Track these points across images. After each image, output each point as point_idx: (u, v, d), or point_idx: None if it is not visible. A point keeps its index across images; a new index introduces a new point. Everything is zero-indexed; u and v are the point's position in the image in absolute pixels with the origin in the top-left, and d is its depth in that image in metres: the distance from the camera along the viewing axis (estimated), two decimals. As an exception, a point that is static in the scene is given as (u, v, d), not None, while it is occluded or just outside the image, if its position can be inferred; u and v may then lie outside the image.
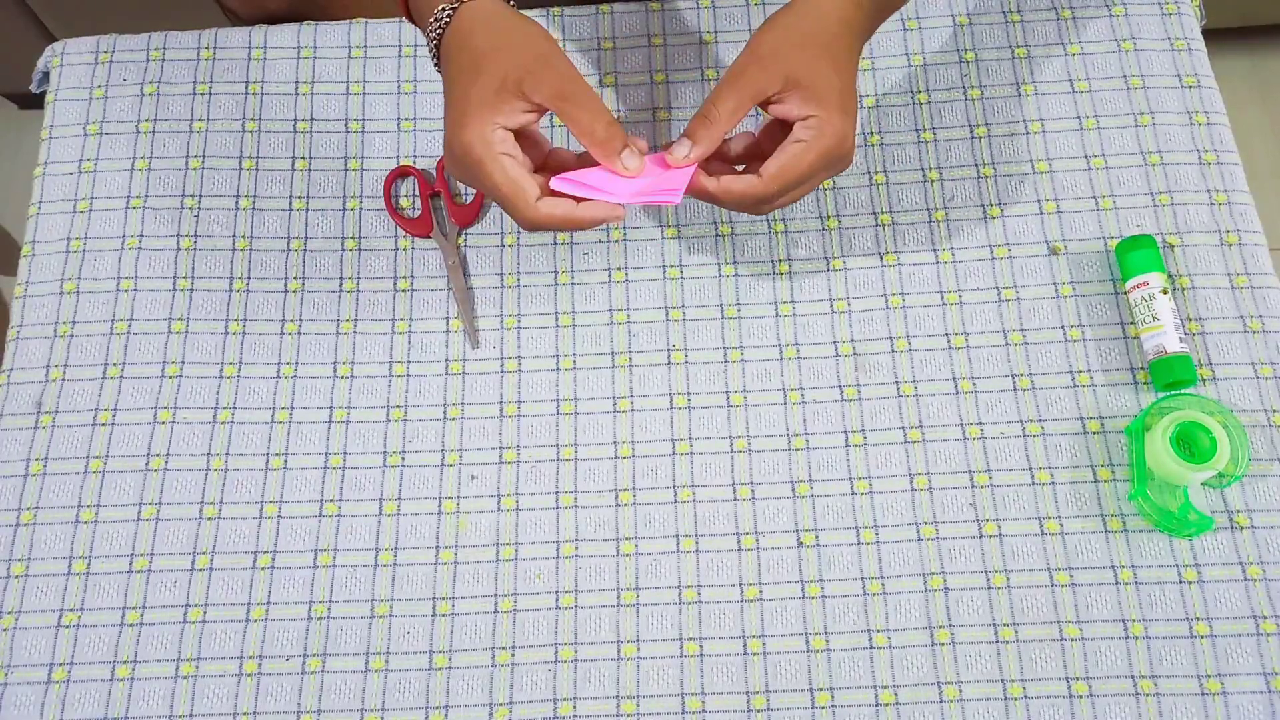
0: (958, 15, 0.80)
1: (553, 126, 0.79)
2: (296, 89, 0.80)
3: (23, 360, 0.72)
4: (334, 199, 0.77)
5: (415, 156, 0.78)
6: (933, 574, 0.66)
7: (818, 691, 0.64)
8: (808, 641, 0.65)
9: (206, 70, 0.80)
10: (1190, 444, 0.66)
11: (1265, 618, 0.64)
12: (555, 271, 0.75)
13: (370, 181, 0.77)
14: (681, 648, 0.65)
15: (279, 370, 0.72)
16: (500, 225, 0.76)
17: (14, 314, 0.74)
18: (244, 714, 0.64)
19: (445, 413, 0.71)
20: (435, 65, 0.64)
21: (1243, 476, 0.66)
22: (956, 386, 0.70)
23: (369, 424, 0.71)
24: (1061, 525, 0.67)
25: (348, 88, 0.80)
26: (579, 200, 0.61)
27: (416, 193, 0.77)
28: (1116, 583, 0.65)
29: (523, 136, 0.62)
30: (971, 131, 0.77)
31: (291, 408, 0.71)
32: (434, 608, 0.66)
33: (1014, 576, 0.66)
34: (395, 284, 0.74)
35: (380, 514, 0.69)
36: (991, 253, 0.74)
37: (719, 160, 0.64)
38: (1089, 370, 0.70)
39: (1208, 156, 0.75)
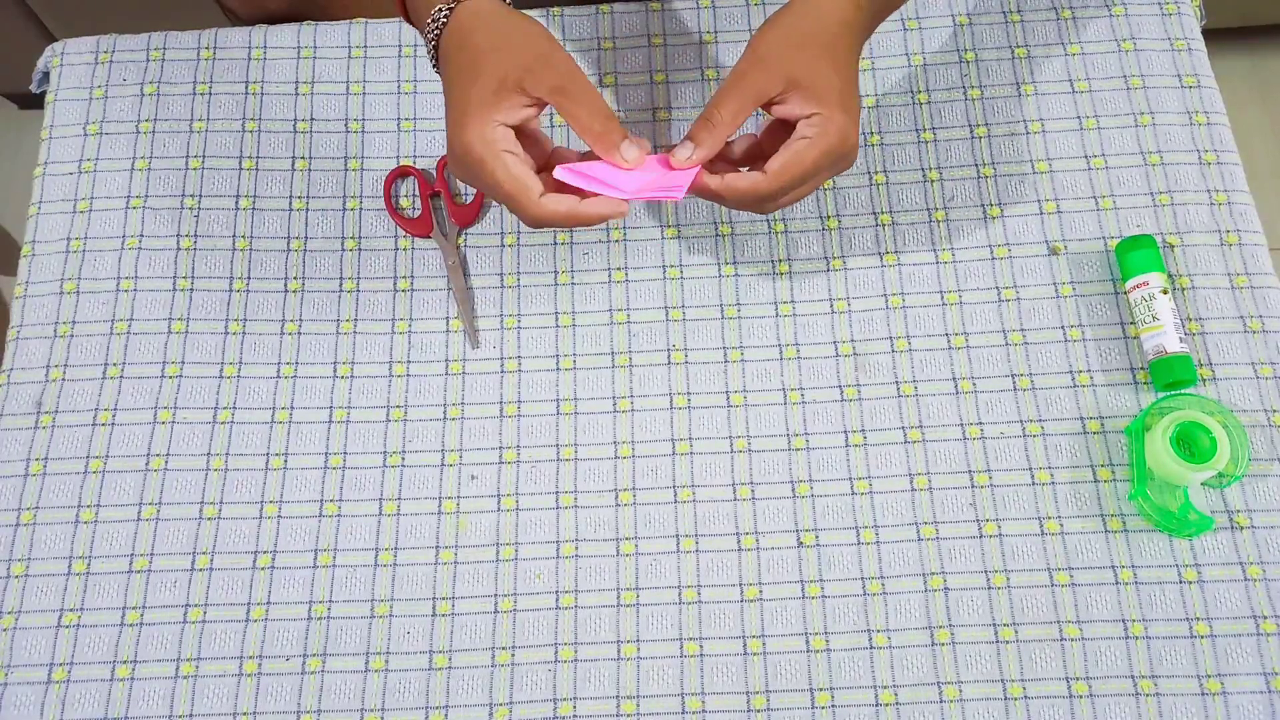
0: (958, 15, 0.80)
1: (553, 125, 0.79)
2: (296, 89, 0.80)
3: (23, 360, 0.72)
4: (334, 199, 0.77)
5: (415, 156, 0.78)
6: (933, 574, 0.66)
7: (818, 691, 0.64)
8: (808, 641, 0.65)
9: (206, 70, 0.80)
10: (1190, 444, 0.66)
11: (1265, 618, 0.64)
12: (555, 271, 0.75)
13: (370, 181, 0.77)
14: (681, 648, 0.65)
15: (279, 370, 0.72)
16: (500, 225, 0.76)
17: (14, 314, 0.74)
18: (244, 714, 0.64)
19: (445, 413, 0.71)
20: (434, 66, 0.64)
21: (1243, 476, 0.66)
22: (956, 386, 0.70)
23: (369, 424, 0.71)
24: (1061, 525, 0.67)
25: (348, 88, 0.80)
26: (582, 196, 0.61)
27: (416, 193, 0.77)
28: (1116, 583, 0.65)
29: (525, 135, 0.62)
30: (971, 131, 0.77)
31: (291, 408, 0.71)
32: (434, 608, 0.66)
33: (1014, 576, 0.66)
34: (395, 284, 0.74)
35: (380, 514, 0.69)
36: (991, 253, 0.74)
37: (721, 161, 0.64)
38: (1089, 370, 0.70)
39: (1208, 156, 0.75)
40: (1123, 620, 0.64)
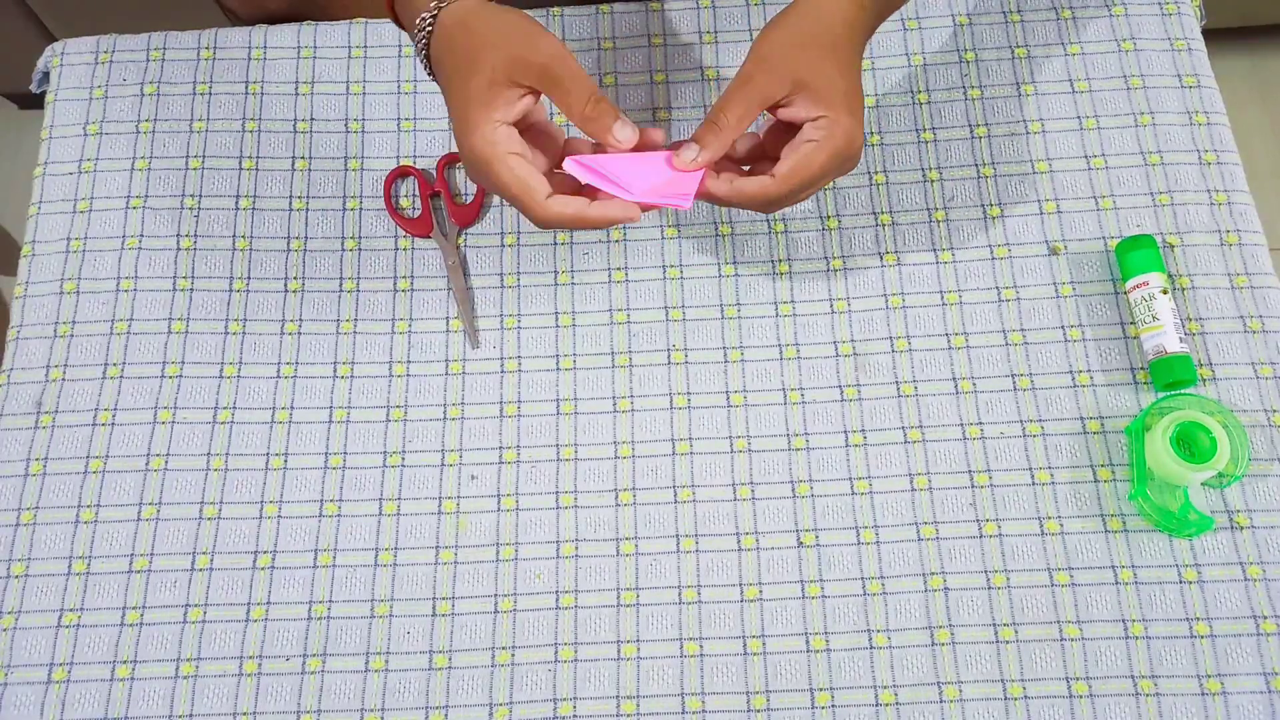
0: (958, 15, 0.80)
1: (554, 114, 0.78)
2: (296, 89, 0.80)
3: (23, 360, 0.72)
4: (334, 199, 0.77)
5: (415, 156, 0.78)
6: (933, 574, 0.66)
7: (818, 691, 0.64)
8: (808, 641, 0.65)
9: (206, 70, 0.80)
10: (1190, 444, 0.66)
11: (1265, 618, 0.64)
12: (555, 271, 0.75)
13: (370, 181, 0.77)
14: (681, 648, 0.65)
15: (279, 370, 0.72)
16: (500, 225, 0.76)
17: (14, 314, 0.74)
18: (244, 714, 0.64)
19: (445, 413, 0.71)
20: (428, 74, 0.64)
21: (1243, 476, 0.66)
22: (956, 386, 0.70)
23: (369, 424, 0.71)
24: (1061, 525, 0.67)
25: (348, 88, 0.80)
26: (591, 197, 0.60)
27: (416, 193, 0.77)
28: (1116, 583, 0.65)
29: (533, 130, 0.62)
30: (971, 131, 0.77)
31: (291, 408, 0.71)
32: (434, 608, 0.66)
33: (1014, 576, 0.66)
34: (395, 284, 0.74)
35: (380, 514, 0.69)
36: (991, 253, 0.74)
37: (725, 161, 0.64)
38: (1089, 370, 0.70)
39: (1208, 156, 0.75)
40: (1123, 620, 0.64)
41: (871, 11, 0.64)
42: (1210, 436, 0.65)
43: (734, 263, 0.74)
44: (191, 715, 0.64)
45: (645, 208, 0.60)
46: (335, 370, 0.72)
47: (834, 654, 0.64)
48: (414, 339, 0.73)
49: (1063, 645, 0.64)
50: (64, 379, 0.72)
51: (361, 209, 0.77)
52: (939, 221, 0.75)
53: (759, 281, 0.74)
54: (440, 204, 0.76)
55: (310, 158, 0.78)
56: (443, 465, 0.70)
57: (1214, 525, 0.65)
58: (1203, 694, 0.62)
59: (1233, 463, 0.65)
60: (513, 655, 0.65)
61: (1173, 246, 0.73)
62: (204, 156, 0.78)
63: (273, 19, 0.84)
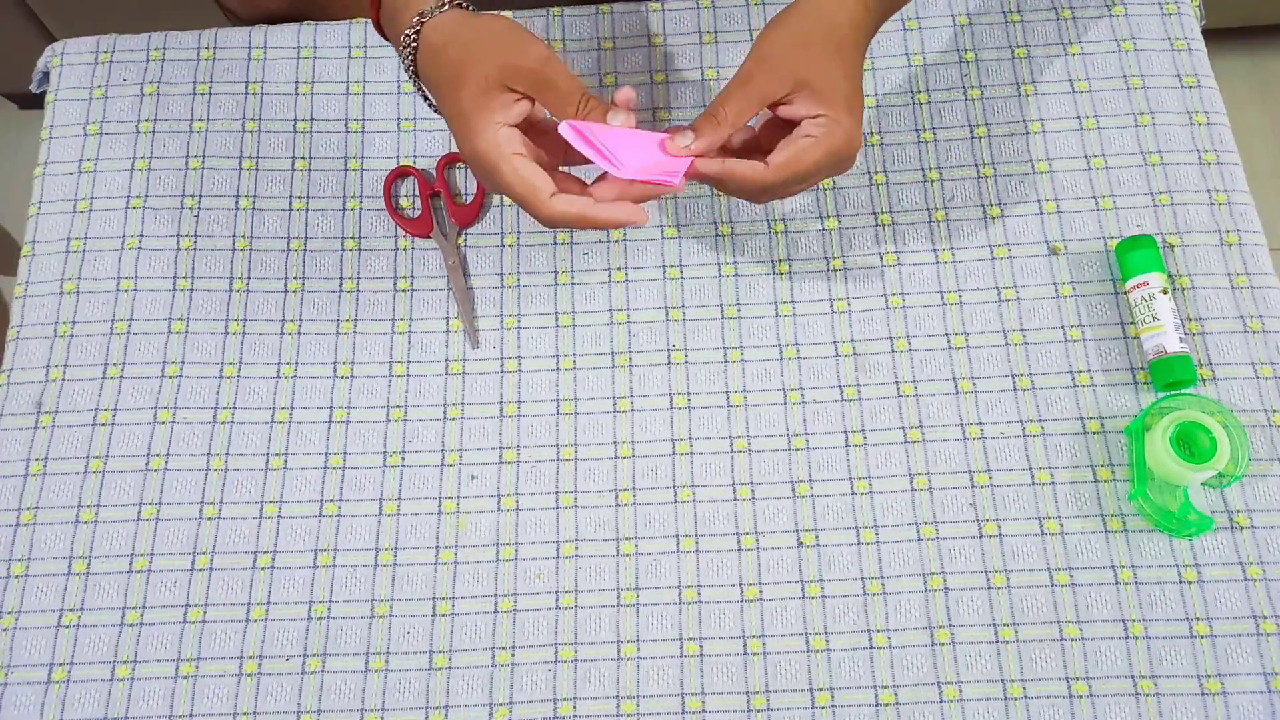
0: (958, 15, 0.80)
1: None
2: (296, 89, 0.80)
3: (23, 360, 0.72)
4: (334, 199, 0.77)
5: (415, 156, 0.78)
6: (933, 574, 0.66)
7: (818, 691, 0.64)
8: (808, 641, 0.65)
9: (206, 70, 0.80)
10: (1190, 444, 0.66)
11: (1265, 618, 0.64)
12: (555, 271, 0.75)
13: (370, 181, 0.77)
14: (681, 648, 0.65)
15: (279, 370, 0.72)
16: (500, 225, 0.76)
17: (14, 314, 0.74)
18: (244, 714, 0.64)
19: (445, 413, 0.71)
20: (417, 89, 0.64)
21: (1243, 476, 0.66)
22: (956, 386, 0.70)
23: (369, 424, 0.71)
24: (1061, 525, 0.67)
25: (348, 88, 0.80)
26: (594, 198, 0.60)
27: (416, 193, 0.77)
28: (1116, 583, 0.65)
29: (537, 131, 0.62)
30: (971, 131, 0.77)
31: (291, 408, 0.71)
32: (434, 608, 0.66)
33: (1014, 576, 0.66)
34: (395, 284, 0.74)
35: (380, 514, 0.69)
36: (991, 253, 0.74)
37: (719, 151, 0.64)
38: (1089, 370, 0.70)
39: (1208, 156, 0.75)
40: (1123, 620, 0.64)
41: (876, 11, 0.64)
42: (1210, 436, 0.65)
43: (734, 263, 0.74)
44: (191, 715, 0.64)
45: (638, 194, 0.60)
46: (335, 370, 0.72)
47: (834, 654, 0.64)
48: (414, 339, 0.73)
49: (1063, 645, 0.64)
50: (64, 379, 0.72)
51: (361, 209, 0.77)
52: (939, 221, 0.75)
53: (759, 281, 0.74)
54: (440, 204, 0.76)
55: (310, 158, 0.78)
56: (443, 465, 0.70)
57: (1214, 525, 0.65)
58: (1203, 694, 0.62)
59: (1233, 463, 0.65)
60: (513, 655, 0.65)
61: (1173, 246, 0.73)
62: (204, 156, 0.78)
63: (273, 19, 0.84)
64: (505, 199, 0.77)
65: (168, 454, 0.70)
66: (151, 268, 0.75)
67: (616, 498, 0.68)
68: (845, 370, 0.71)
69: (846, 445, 0.69)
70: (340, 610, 0.66)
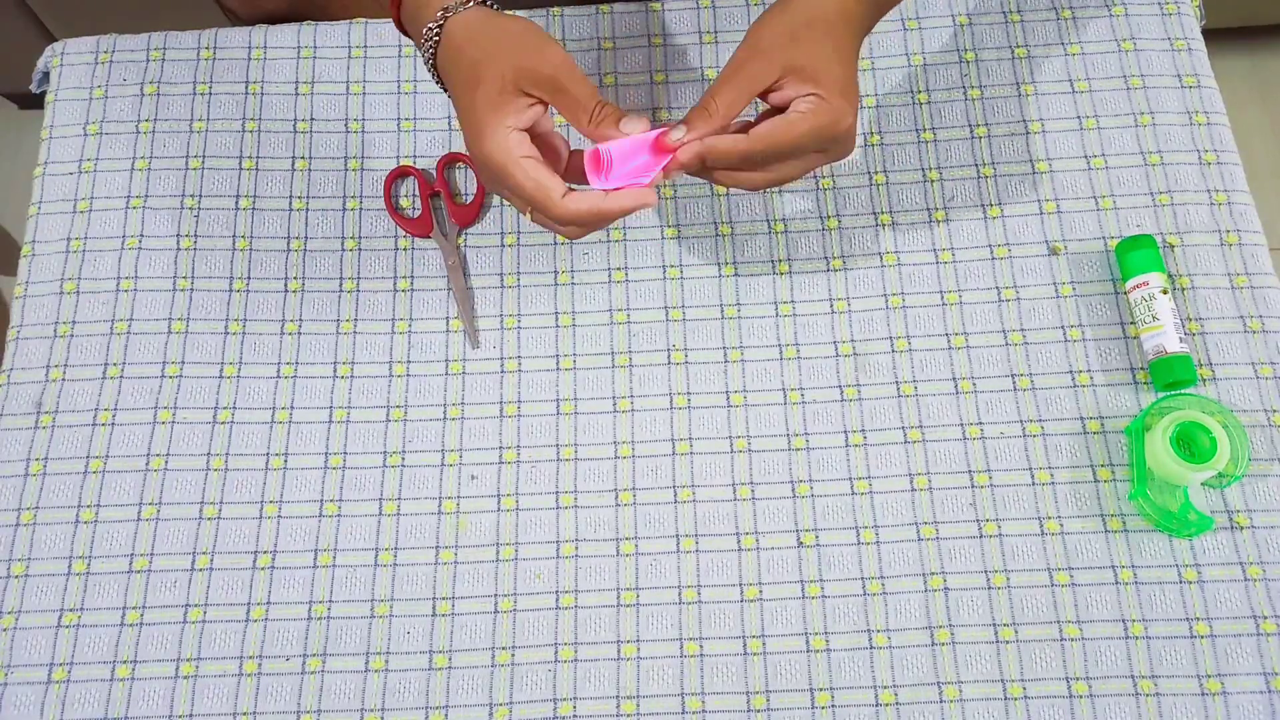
0: (958, 15, 0.80)
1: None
2: (296, 89, 0.80)
3: (23, 360, 0.72)
4: (334, 199, 0.77)
5: (415, 156, 0.78)
6: (933, 574, 0.66)
7: (818, 691, 0.64)
8: (808, 641, 0.65)
9: (206, 70, 0.80)
10: (1190, 444, 0.66)
11: (1265, 618, 0.64)
12: (555, 271, 0.75)
13: (370, 181, 0.77)
14: (681, 648, 0.65)
15: (279, 370, 0.72)
16: (500, 225, 0.76)
17: (14, 314, 0.74)
18: (244, 714, 0.64)
19: (445, 413, 0.71)
20: (436, 82, 0.64)
21: (1243, 476, 0.66)
22: (956, 386, 0.70)
23: (369, 424, 0.71)
24: (1061, 525, 0.67)
25: (348, 88, 0.80)
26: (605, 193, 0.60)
27: (416, 193, 0.77)
28: (1116, 583, 0.65)
29: (540, 141, 0.62)
30: (971, 131, 0.77)
31: (291, 408, 0.71)
32: (434, 608, 0.66)
33: (1014, 576, 0.66)
34: (395, 284, 0.74)
35: (380, 514, 0.69)
36: (991, 253, 0.74)
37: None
38: (1089, 370, 0.70)
39: (1208, 156, 0.75)
40: (1123, 620, 0.64)
41: (867, 4, 0.63)
42: (1210, 436, 0.65)
43: (734, 263, 0.74)
44: (191, 715, 0.64)
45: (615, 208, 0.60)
46: (335, 370, 0.72)
47: (834, 654, 0.64)
48: (414, 339, 0.73)
49: (1063, 645, 0.64)
50: (64, 379, 0.72)
51: (361, 209, 0.77)
52: (939, 221, 0.75)
53: (759, 281, 0.74)
54: (440, 204, 0.76)
55: (310, 158, 0.78)
56: (443, 465, 0.70)
57: (1214, 525, 0.65)
58: (1203, 694, 0.62)
59: (1233, 463, 0.65)
60: (513, 655, 0.65)
61: (1173, 246, 0.73)
62: (204, 156, 0.78)
63: (273, 19, 0.84)
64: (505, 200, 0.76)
65: (168, 454, 0.70)
66: (151, 268, 0.75)
67: (616, 498, 0.68)
68: (845, 370, 0.71)
69: (846, 445, 0.69)
70: (340, 610, 0.66)
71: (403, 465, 0.70)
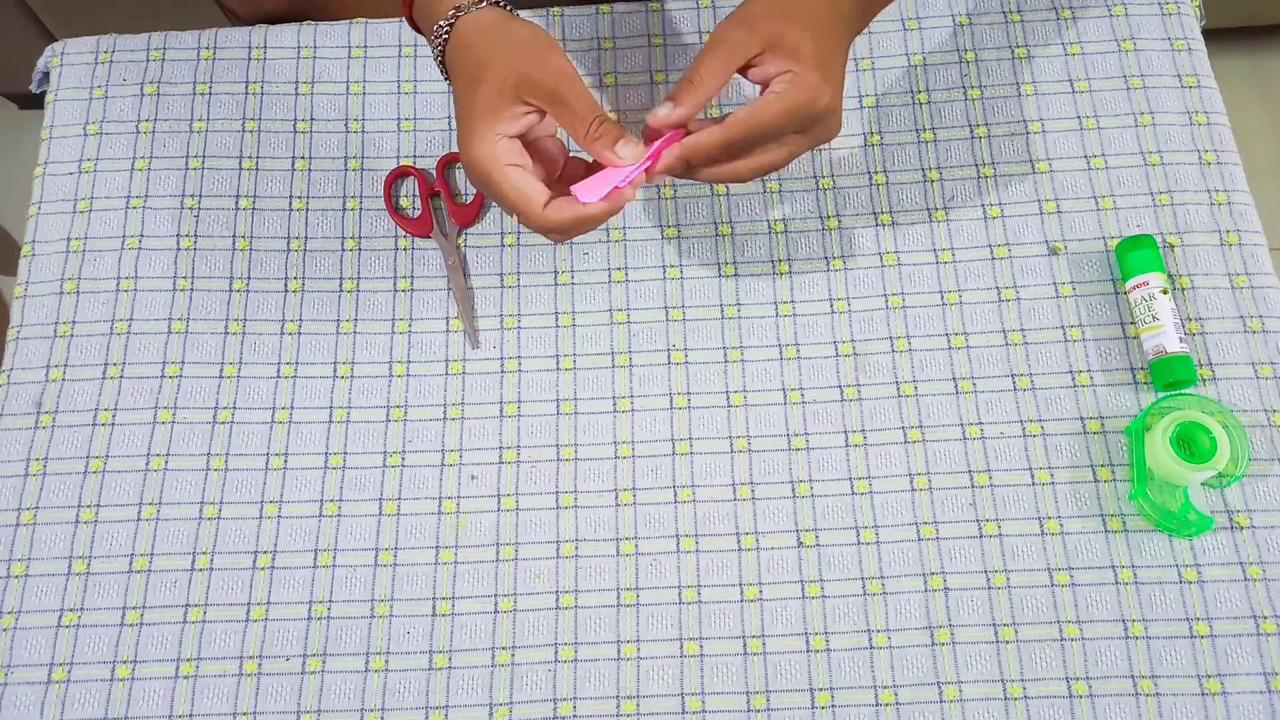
0: (958, 15, 0.80)
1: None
2: (296, 89, 0.80)
3: (23, 360, 0.72)
4: (334, 199, 0.77)
5: (415, 156, 0.78)
6: (933, 574, 0.66)
7: (818, 691, 0.64)
8: (808, 641, 0.65)
9: (206, 70, 0.80)
10: (1190, 444, 0.66)
11: (1265, 618, 0.64)
12: (555, 271, 0.75)
13: (370, 181, 0.77)
14: (681, 648, 0.65)
15: (279, 370, 0.72)
16: (500, 225, 0.76)
17: (14, 314, 0.74)
18: (244, 714, 0.64)
19: (445, 413, 0.71)
20: (445, 78, 0.65)
21: (1243, 476, 0.66)
22: (956, 386, 0.70)
23: (369, 424, 0.71)
24: (1061, 525, 0.67)
25: (348, 88, 0.80)
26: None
27: (416, 193, 0.77)
28: (1116, 583, 0.65)
29: (535, 148, 0.62)
30: (971, 131, 0.77)
31: (291, 408, 0.71)
32: (434, 608, 0.66)
33: (1014, 576, 0.66)
34: (395, 284, 0.75)
35: (380, 514, 0.69)
36: (991, 253, 0.74)
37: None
38: (1089, 370, 0.70)
39: (1208, 156, 0.75)
40: (1123, 620, 0.64)
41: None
42: (1210, 436, 0.65)
43: (734, 263, 0.74)
44: (191, 715, 0.64)
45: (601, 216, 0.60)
46: (335, 370, 0.72)
47: (834, 654, 0.64)
48: (414, 339, 0.73)
49: (1063, 645, 0.64)
50: (64, 379, 0.72)
51: (361, 209, 0.77)
52: (939, 221, 0.75)
53: (759, 281, 0.74)
54: (440, 204, 0.76)
55: (310, 158, 0.78)
56: (443, 465, 0.70)
57: (1214, 525, 0.65)
58: (1203, 694, 0.62)
59: (1233, 463, 0.65)
60: (513, 655, 0.65)
61: (1173, 246, 0.73)
62: (204, 156, 0.78)
63: (273, 19, 0.84)
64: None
65: (168, 454, 0.70)
66: (151, 268, 0.75)
67: (616, 498, 0.68)
68: (845, 370, 0.71)
69: (846, 445, 0.69)
70: (340, 610, 0.66)
71: (403, 465, 0.70)
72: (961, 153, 0.76)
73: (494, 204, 0.76)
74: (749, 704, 0.64)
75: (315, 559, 0.68)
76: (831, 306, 0.73)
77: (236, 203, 0.77)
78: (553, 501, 0.69)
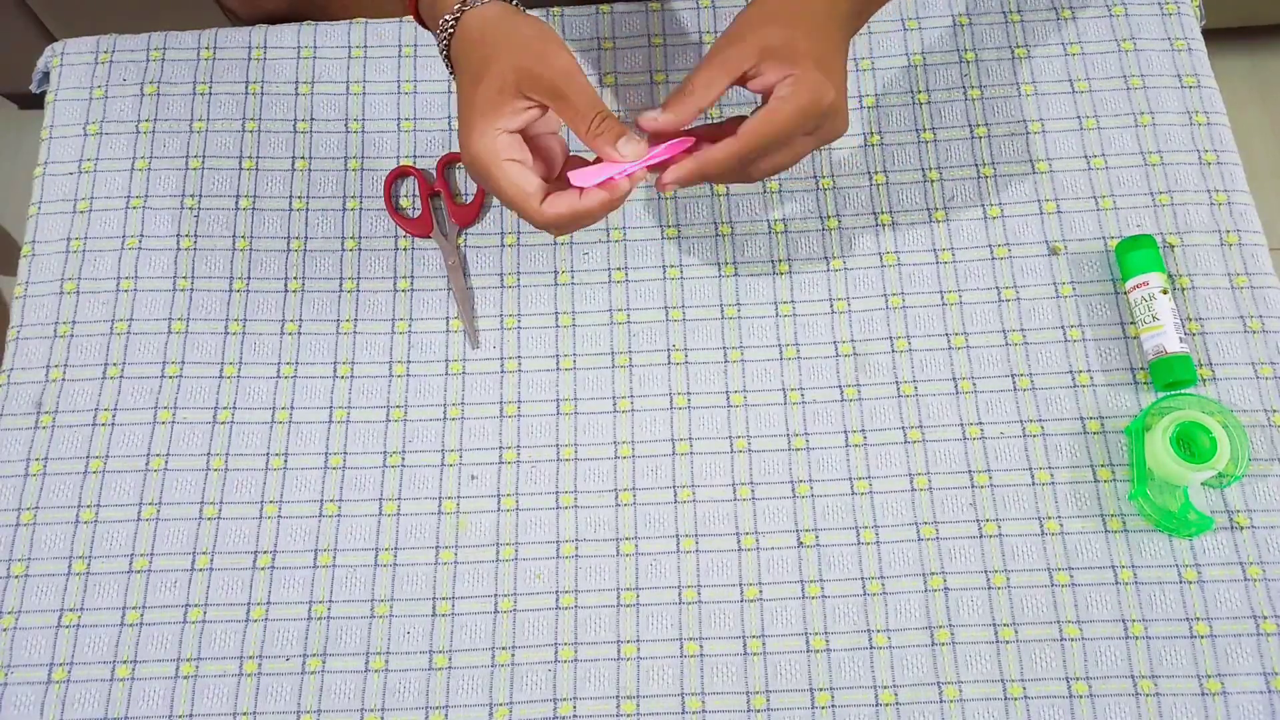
0: (958, 15, 0.80)
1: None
2: (296, 89, 0.80)
3: (23, 360, 0.72)
4: (334, 199, 0.77)
5: (415, 156, 0.78)
6: (933, 574, 0.66)
7: (818, 691, 0.64)
8: (808, 641, 0.65)
9: (206, 70, 0.80)
10: (1190, 444, 0.66)
11: (1265, 618, 0.64)
12: (555, 271, 0.75)
13: (370, 181, 0.77)
14: (681, 648, 0.65)
15: (279, 370, 0.72)
16: (500, 225, 0.76)
17: (14, 314, 0.74)
18: (244, 714, 0.64)
19: (445, 413, 0.71)
20: (449, 72, 0.65)
21: (1243, 476, 0.66)
22: (956, 386, 0.70)
23: (369, 424, 0.71)
24: (1061, 525, 0.67)
25: (348, 88, 0.80)
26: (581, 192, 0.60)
27: (416, 193, 0.77)
28: (1116, 583, 0.65)
29: (536, 145, 0.62)
30: (971, 131, 0.77)
31: (291, 408, 0.71)
32: (434, 608, 0.66)
33: (1014, 576, 0.66)
34: (395, 284, 0.75)
35: (380, 514, 0.69)
36: (991, 253, 0.74)
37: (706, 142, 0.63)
38: (1089, 370, 0.70)
39: (1208, 156, 0.75)
40: (1123, 620, 0.64)
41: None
42: (1210, 436, 0.65)
43: (734, 263, 0.74)
44: (191, 715, 0.64)
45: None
46: (335, 370, 0.72)
47: (834, 654, 0.64)
48: (414, 339, 0.73)
49: (1063, 645, 0.64)
50: (64, 379, 0.72)
51: (361, 209, 0.77)
52: (939, 221, 0.75)
53: (759, 281, 0.74)
54: (440, 204, 0.76)
55: (310, 158, 0.78)
56: (443, 465, 0.70)
57: (1214, 525, 0.65)
58: (1203, 694, 0.62)
59: (1233, 463, 0.65)
60: (513, 655, 0.65)
61: (1173, 246, 0.73)
62: (204, 156, 0.78)
63: (273, 19, 0.84)
64: (505, 199, 0.77)
65: (168, 454, 0.70)
66: (151, 268, 0.75)
67: (616, 498, 0.68)
68: (845, 370, 0.71)
69: (846, 445, 0.69)
70: (340, 610, 0.66)
71: (403, 465, 0.70)
72: (961, 153, 0.76)
73: (494, 204, 0.76)
74: (749, 704, 0.64)
75: (315, 559, 0.68)
76: (831, 306, 0.73)
77: (236, 203, 0.77)
78: (553, 501, 0.69)
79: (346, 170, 0.77)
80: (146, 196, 0.77)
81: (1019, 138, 0.76)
